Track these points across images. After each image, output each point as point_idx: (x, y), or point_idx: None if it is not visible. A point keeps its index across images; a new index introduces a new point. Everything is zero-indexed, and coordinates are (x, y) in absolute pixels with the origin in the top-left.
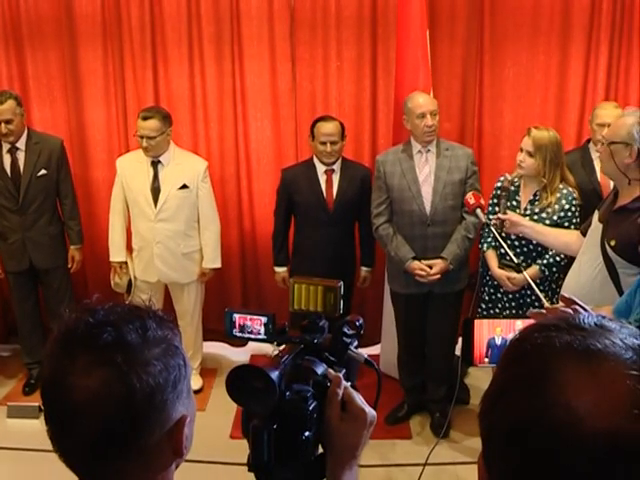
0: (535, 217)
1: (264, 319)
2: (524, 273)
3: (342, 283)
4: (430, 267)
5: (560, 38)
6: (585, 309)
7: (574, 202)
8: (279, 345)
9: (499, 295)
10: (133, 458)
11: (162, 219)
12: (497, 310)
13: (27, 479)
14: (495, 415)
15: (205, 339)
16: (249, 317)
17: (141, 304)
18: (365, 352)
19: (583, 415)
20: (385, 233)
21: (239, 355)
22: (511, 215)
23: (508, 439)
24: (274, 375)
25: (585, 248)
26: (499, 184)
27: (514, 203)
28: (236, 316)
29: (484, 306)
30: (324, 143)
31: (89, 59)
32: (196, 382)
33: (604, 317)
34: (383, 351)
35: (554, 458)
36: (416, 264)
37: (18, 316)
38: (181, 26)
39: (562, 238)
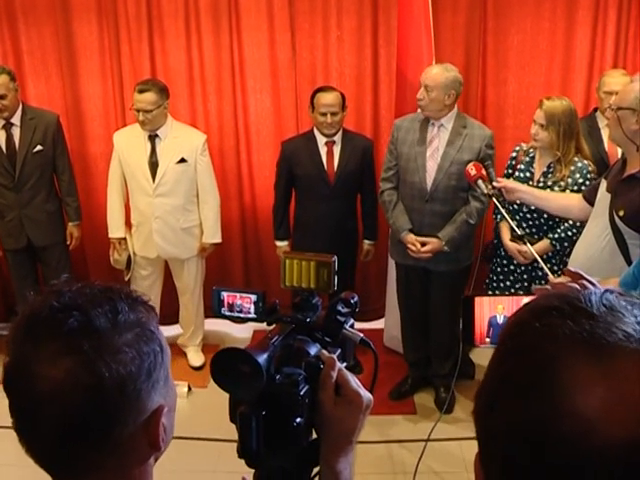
0: (548, 190)
1: (254, 297)
2: (528, 245)
3: (336, 258)
4: (423, 244)
5: (566, 3)
6: (592, 283)
7: (588, 175)
8: (269, 325)
9: (512, 267)
10: (106, 452)
11: (160, 194)
12: (509, 282)
13: (27, 458)
14: (492, 419)
15: (207, 315)
16: (238, 295)
17: (114, 284)
18: (369, 326)
19: (594, 423)
20: (388, 199)
21: (241, 332)
22: (506, 182)
23: (507, 448)
24: (261, 358)
25: (593, 218)
26: (514, 154)
27: (527, 174)
28: (224, 294)
29: (495, 277)
30: (324, 114)
31: (84, 33)
32: (198, 359)
33: (612, 292)
34: (387, 325)
35: (561, 473)
36: (410, 237)
37: (17, 294)
38: None
39: (562, 202)
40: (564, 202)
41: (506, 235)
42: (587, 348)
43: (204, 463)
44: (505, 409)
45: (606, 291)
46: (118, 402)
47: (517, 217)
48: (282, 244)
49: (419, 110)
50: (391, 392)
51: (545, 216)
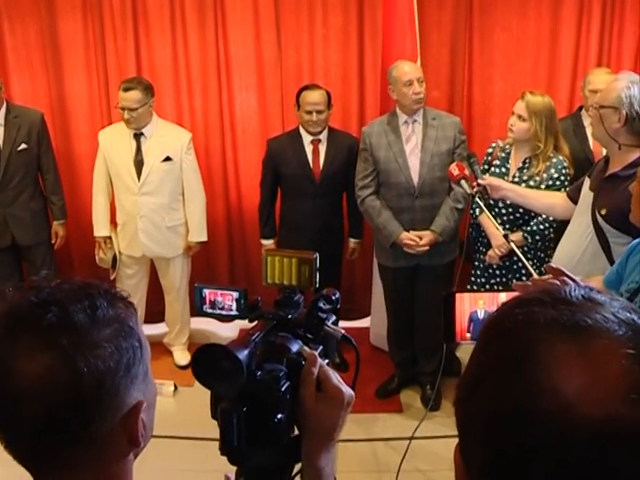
0: (523, 185)
1: (235, 294)
2: (512, 244)
3: (317, 255)
4: (420, 238)
5: (551, 2)
6: (574, 280)
7: (564, 171)
8: (251, 321)
9: (486, 263)
10: (84, 447)
11: (146, 192)
12: (487, 275)
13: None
14: (473, 403)
15: (193, 314)
16: (220, 292)
17: (93, 281)
18: (355, 325)
19: (573, 401)
20: (372, 205)
21: (228, 330)
22: (491, 179)
23: (488, 430)
24: (242, 355)
25: (576, 217)
26: (490, 150)
27: (503, 170)
28: (206, 291)
29: (473, 272)
30: (310, 112)
31: (69, 30)
32: (184, 358)
33: (592, 289)
34: (373, 324)
35: (541, 450)
36: (405, 235)
37: None
38: None
39: (546, 200)
40: (549, 201)
41: (491, 225)
42: (566, 329)
43: (190, 462)
44: (487, 391)
45: (586, 287)
46: (96, 397)
47: (493, 212)
48: (268, 242)
49: (417, 106)
50: (377, 390)
51: (521, 211)
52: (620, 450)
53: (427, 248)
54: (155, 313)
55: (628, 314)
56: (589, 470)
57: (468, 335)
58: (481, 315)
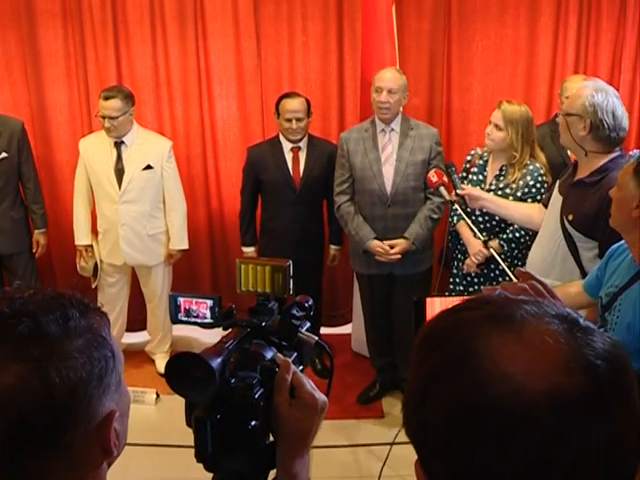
0: (499, 193)
1: (210, 302)
2: (491, 250)
3: (291, 262)
4: (392, 247)
5: (528, 10)
6: (543, 283)
7: (539, 178)
8: (225, 329)
9: (463, 271)
10: (57, 457)
11: (127, 201)
12: (465, 283)
13: None
14: (427, 411)
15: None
16: (194, 300)
17: (66, 291)
18: (337, 331)
19: (522, 381)
20: (347, 211)
21: (210, 337)
22: (470, 190)
23: (449, 431)
24: (215, 362)
25: (546, 221)
26: (469, 157)
27: (480, 177)
28: (181, 300)
29: (451, 280)
30: (289, 120)
31: (49, 39)
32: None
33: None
34: (355, 330)
35: (503, 437)
36: (376, 243)
37: None
38: (143, 3)
39: (523, 211)
40: (526, 211)
41: (468, 233)
42: (497, 322)
43: (173, 470)
44: (437, 398)
45: (501, 292)
46: (69, 407)
47: (470, 219)
48: (249, 250)
49: (381, 115)
50: (359, 396)
51: (497, 219)
52: (570, 419)
53: (399, 256)
54: (137, 321)
55: (547, 304)
56: (552, 443)
57: None
58: None
